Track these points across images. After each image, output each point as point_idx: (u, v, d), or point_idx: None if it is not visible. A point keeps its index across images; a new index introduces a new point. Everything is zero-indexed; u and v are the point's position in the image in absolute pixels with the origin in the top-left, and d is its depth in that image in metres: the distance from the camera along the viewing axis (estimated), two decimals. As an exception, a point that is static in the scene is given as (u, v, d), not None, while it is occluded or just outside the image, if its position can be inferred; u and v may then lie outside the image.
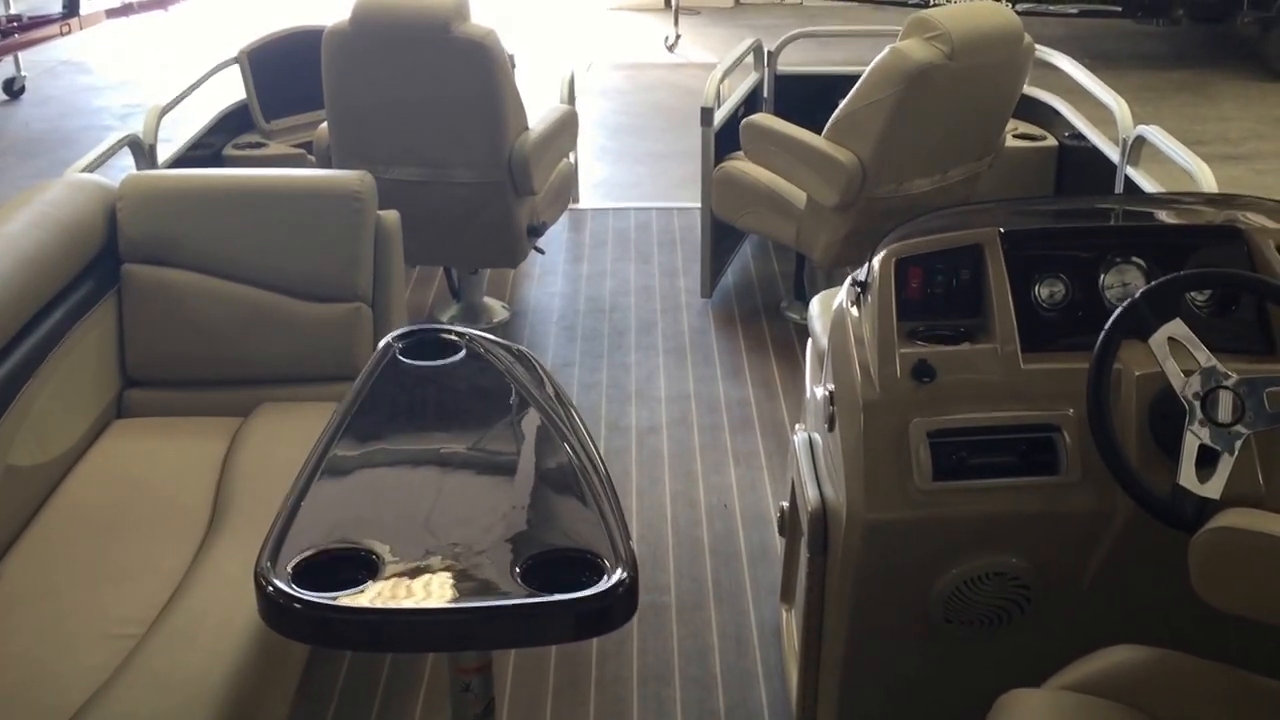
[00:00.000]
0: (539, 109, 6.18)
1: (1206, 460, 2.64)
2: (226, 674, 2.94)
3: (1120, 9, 12.64)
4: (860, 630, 3.17)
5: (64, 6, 12.08)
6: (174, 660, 2.95)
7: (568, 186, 7.01)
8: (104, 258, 4.24)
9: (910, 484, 2.92)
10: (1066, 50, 6.67)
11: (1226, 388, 2.66)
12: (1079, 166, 6.54)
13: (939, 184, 5.76)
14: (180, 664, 2.94)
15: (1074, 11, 12.83)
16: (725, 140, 6.42)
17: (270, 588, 2.14)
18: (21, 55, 11.86)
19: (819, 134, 5.65)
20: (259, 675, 3.04)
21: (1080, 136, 6.42)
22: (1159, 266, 3.08)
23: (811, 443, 3.49)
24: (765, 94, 7.34)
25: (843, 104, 5.56)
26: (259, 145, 6.73)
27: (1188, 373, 2.68)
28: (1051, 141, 6.84)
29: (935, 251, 3.11)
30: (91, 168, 4.91)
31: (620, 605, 2.17)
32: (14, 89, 11.75)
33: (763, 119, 5.99)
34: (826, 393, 3.20)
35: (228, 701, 2.89)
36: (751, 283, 6.92)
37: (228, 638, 3.03)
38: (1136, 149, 5.60)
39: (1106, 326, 2.74)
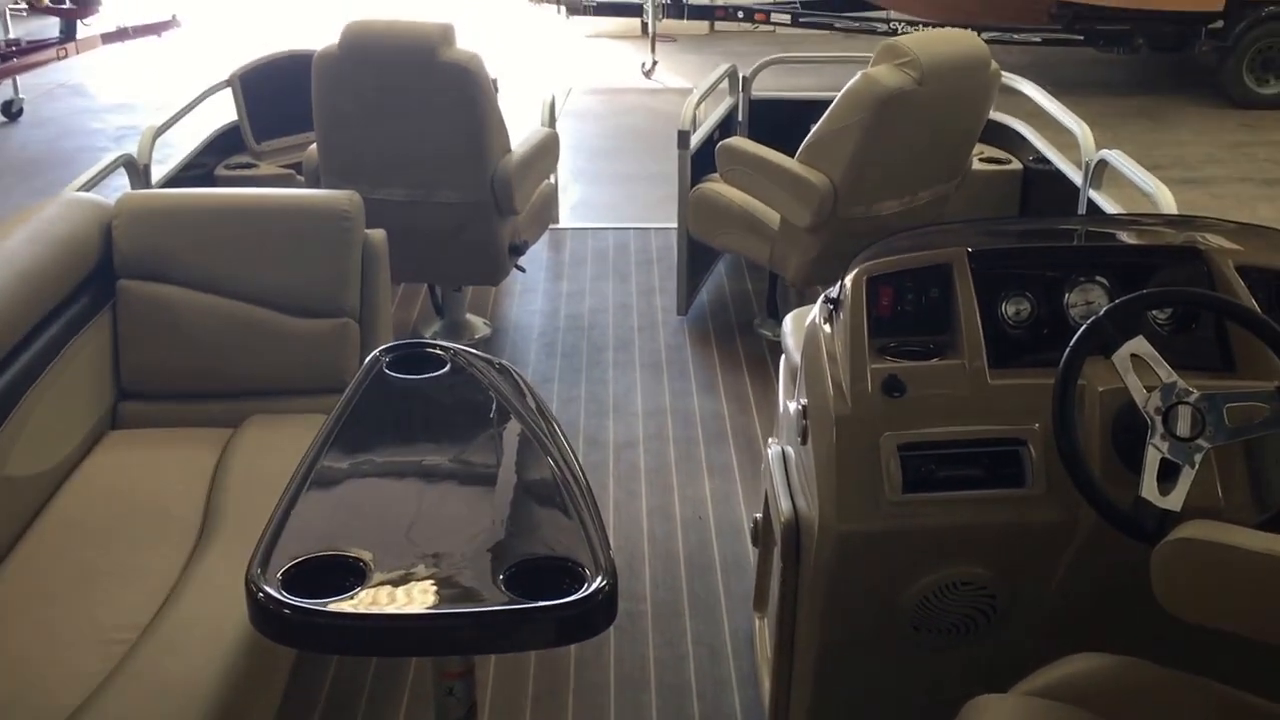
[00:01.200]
0: (521, 131, 6.17)
1: (1167, 473, 2.64)
2: (216, 679, 2.92)
3: (1082, 38, 12.71)
4: (831, 638, 3.16)
5: (61, 31, 12.08)
6: (165, 665, 2.94)
7: (548, 207, 7.01)
8: (99, 273, 4.23)
9: (881, 496, 2.92)
10: (1030, 77, 6.69)
11: (1187, 403, 2.67)
12: (1043, 189, 6.56)
13: (908, 205, 5.77)
14: (171, 669, 2.93)
15: (1038, 40, 12.90)
16: (701, 162, 6.42)
17: (261, 594, 2.13)
18: (20, 79, 11.86)
19: (792, 157, 5.66)
20: (248, 680, 3.02)
21: (1044, 160, 6.44)
22: (1121, 285, 3.08)
23: (785, 455, 3.48)
24: (740, 118, 7.35)
25: (815, 128, 5.56)
26: (250, 166, 6.72)
27: (1150, 388, 2.69)
28: (1016, 165, 6.86)
29: (905, 270, 3.11)
30: (88, 187, 4.89)
31: (600, 612, 2.17)
32: (12, 111, 11.74)
33: (738, 142, 5.99)
34: (800, 407, 3.20)
35: (217, 706, 2.88)
36: (726, 301, 6.91)
37: (218, 643, 3.01)
38: (1099, 172, 5.61)
39: (1071, 343, 2.74)
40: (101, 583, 3.30)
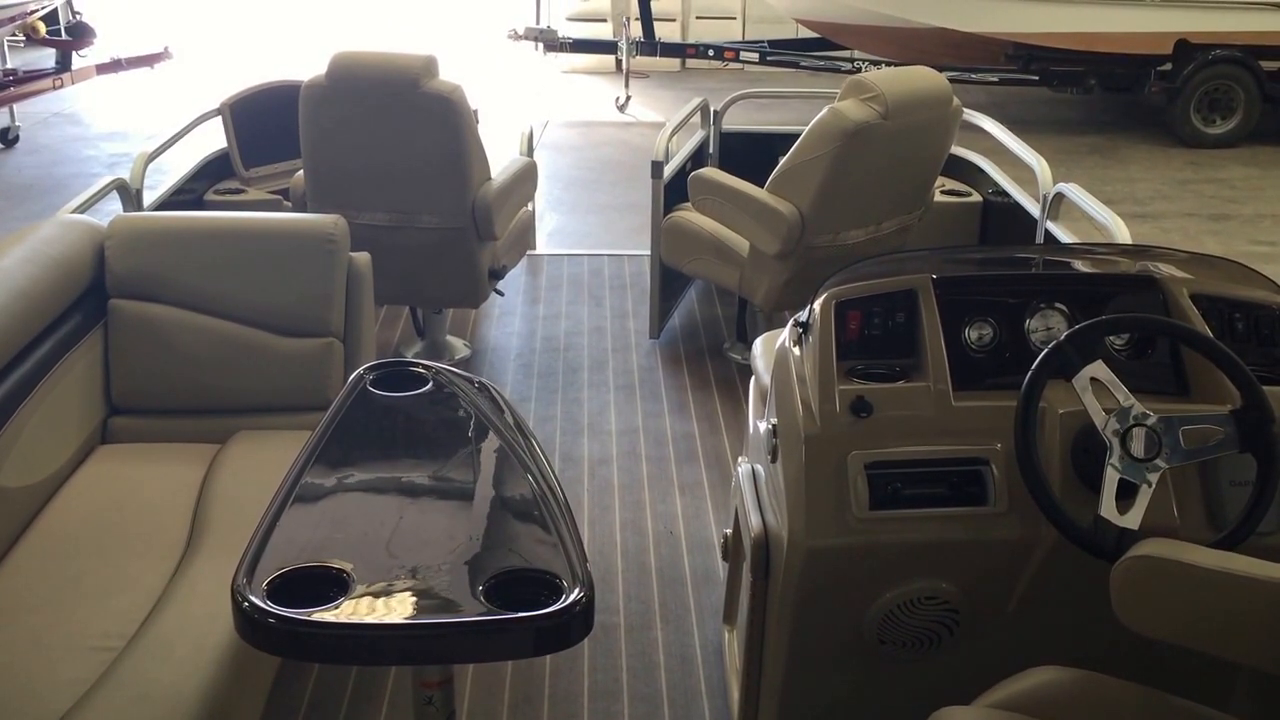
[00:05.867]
0: (500, 161, 6.16)
1: (1125, 493, 2.65)
2: (201, 686, 2.88)
3: (1037, 78, 12.76)
4: (799, 650, 3.14)
5: (57, 62, 12.05)
6: (151, 673, 2.90)
7: (527, 233, 7.00)
8: (92, 293, 4.19)
9: (848, 513, 2.90)
10: (988, 115, 6.69)
11: (1144, 425, 2.67)
12: (1002, 220, 6.56)
13: (873, 235, 5.76)
14: (157, 677, 2.89)
15: (995, 80, 12.94)
16: (673, 192, 6.41)
17: (246, 603, 2.11)
18: (16, 107, 11.82)
19: (761, 187, 5.65)
20: (232, 688, 2.98)
21: (1003, 193, 6.44)
22: (1080, 312, 3.08)
23: (754, 473, 3.46)
24: (711, 150, 7.35)
25: (784, 159, 5.56)
26: (238, 191, 6.68)
27: (1108, 411, 2.69)
28: (976, 197, 6.86)
29: (872, 295, 3.10)
30: (81, 210, 4.85)
31: (576, 623, 2.15)
32: (9, 138, 11.68)
33: (709, 172, 5.98)
34: (770, 426, 3.18)
35: (202, 712, 2.84)
36: (696, 325, 6.90)
37: (203, 652, 2.97)
38: (1055, 205, 5.62)
39: (1033, 366, 2.73)
40: (90, 592, 3.26)
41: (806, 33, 14.16)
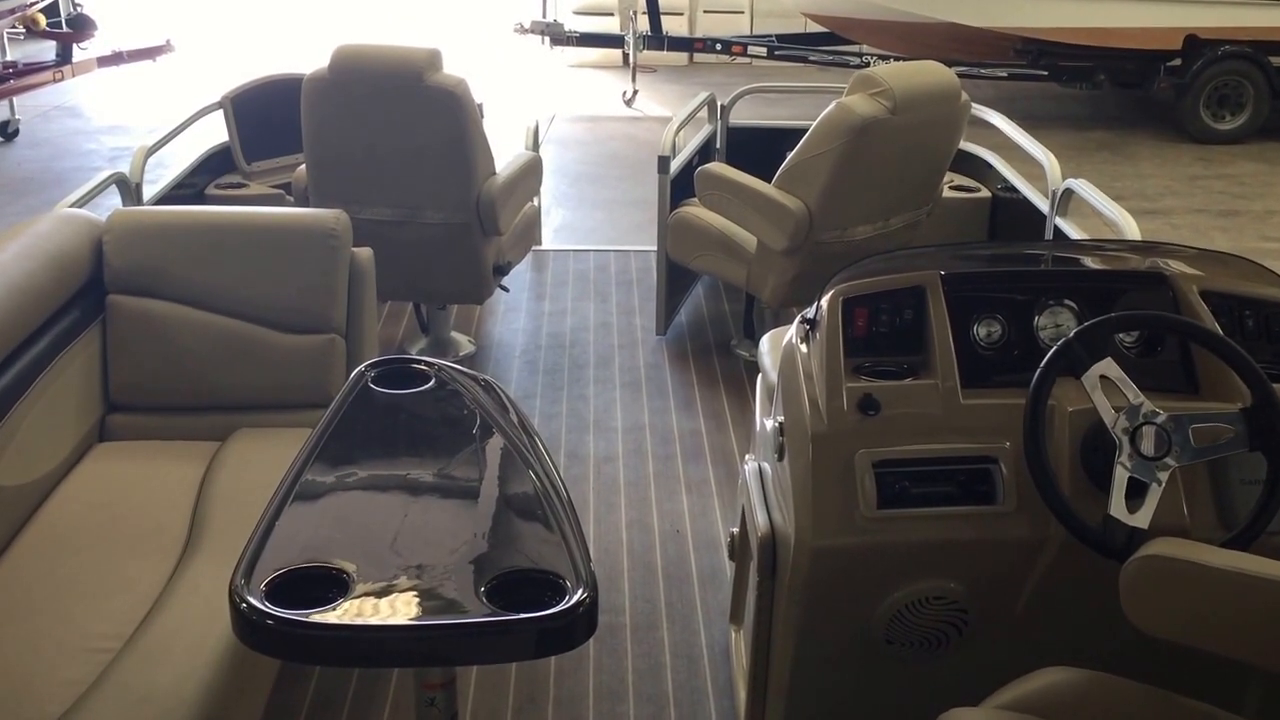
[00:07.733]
0: (506, 156, 6.15)
1: (1135, 492, 2.64)
2: (199, 689, 2.87)
3: (1046, 73, 12.76)
4: (806, 650, 3.13)
5: (57, 54, 12.05)
6: (148, 675, 2.88)
7: (532, 228, 6.98)
8: (90, 288, 4.18)
9: (856, 511, 2.89)
10: (996, 110, 6.68)
11: (1154, 424, 2.66)
12: (1011, 216, 6.55)
13: (881, 230, 5.75)
14: (154, 679, 2.87)
15: (1004, 75, 12.93)
16: (680, 188, 6.40)
17: (244, 604, 2.10)
18: (16, 100, 11.83)
19: (769, 182, 5.64)
20: (231, 690, 2.97)
21: (1012, 189, 6.43)
22: (1089, 309, 3.07)
23: (761, 472, 3.45)
24: (718, 145, 7.33)
25: (791, 154, 5.55)
26: (240, 185, 6.67)
27: (1118, 409, 2.68)
28: (985, 193, 6.85)
29: (880, 292, 3.09)
30: (80, 204, 4.84)
31: (580, 624, 2.14)
32: (8, 132, 11.69)
33: (716, 168, 5.97)
34: (776, 424, 3.17)
35: (200, 716, 2.82)
36: (703, 321, 6.89)
37: (201, 654, 2.96)
38: (1065, 201, 5.60)
39: (1042, 364, 2.73)
40: (87, 592, 3.25)
41: (815, 27, 14.18)
